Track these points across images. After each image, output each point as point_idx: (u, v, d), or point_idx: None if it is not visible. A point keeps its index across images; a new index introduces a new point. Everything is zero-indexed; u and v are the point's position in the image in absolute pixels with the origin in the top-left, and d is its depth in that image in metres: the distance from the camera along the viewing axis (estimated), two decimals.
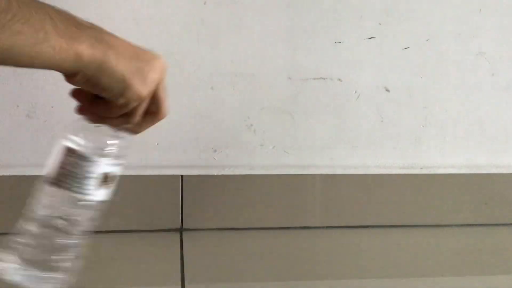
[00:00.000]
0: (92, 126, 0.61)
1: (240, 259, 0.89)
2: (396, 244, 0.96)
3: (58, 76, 0.91)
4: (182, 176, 0.94)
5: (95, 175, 0.59)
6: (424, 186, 1.01)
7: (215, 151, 0.95)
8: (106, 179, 0.60)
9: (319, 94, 0.96)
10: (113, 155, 0.61)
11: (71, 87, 0.91)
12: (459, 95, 1.00)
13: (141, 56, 0.59)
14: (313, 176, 0.98)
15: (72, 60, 0.54)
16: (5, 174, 0.90)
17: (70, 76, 0.56)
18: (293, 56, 0.94)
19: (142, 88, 0.58)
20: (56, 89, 0.90)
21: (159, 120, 0.62)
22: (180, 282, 0.75)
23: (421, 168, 1.01)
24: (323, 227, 0.99)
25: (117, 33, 0.88)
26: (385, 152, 1.00)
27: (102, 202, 0.61)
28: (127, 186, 0.91)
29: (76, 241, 0.62)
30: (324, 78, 0.96)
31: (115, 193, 0.91)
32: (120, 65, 0.56)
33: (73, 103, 0.93)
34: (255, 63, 0.94)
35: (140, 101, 0.59)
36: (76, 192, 0.59)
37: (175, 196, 0.94)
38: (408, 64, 0.97)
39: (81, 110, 0.62)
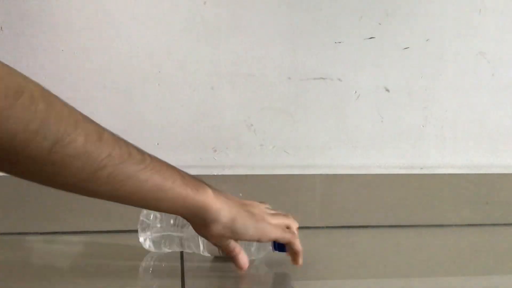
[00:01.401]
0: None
1: None
2: (396, 244, 0.96)
3: (58, 77, 0.91)
4: None
5: None
6: (424, 186, 1.01)
7: (215, 151, 0.95)
8: None
9: (319, 94, 0.96)
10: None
11: (70, 87, 0.91)
12: (459, 95, 1.00)
13: (248, 204, 0.72)
14: (313, 176, 0.98)
15: (198, 207, 0.65)
16: (5, 174, 0.90)
17: (207, 223, 0.66)
18: (293, 56, 0.94)
19: (270, 227, 0.72)
20: (56, 89, 0.90)
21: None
22: (180, 282, 0.75)
23: (421, 168, 1.01)
24: (323, 227, 0.99)
25: (117, 33, 0.89)
26: (385, 152, 1.00)
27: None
28: None
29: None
30: (324, 78, 0.96)
31: None
32: (244, 214, 0.69)
33: (73, 104, 0.93)
34: (255, 63, 0.94)
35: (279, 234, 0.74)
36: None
37: None
38: (408, 64, 0.97)
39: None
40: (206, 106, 0.94)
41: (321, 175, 0.98)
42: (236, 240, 0.71)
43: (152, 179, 0.59)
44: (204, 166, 0.95)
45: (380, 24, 0.95)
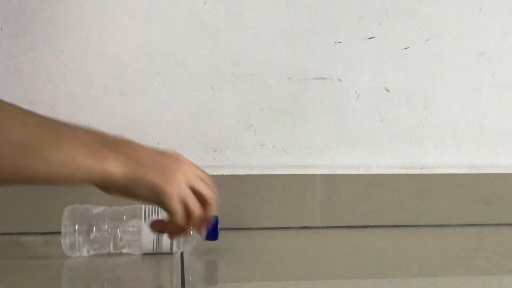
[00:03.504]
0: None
1: (240, 259, 0.89)
2: (396, 244, 0.96)
3: (58, 77, 0.91)
4: None
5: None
6: (424, 186, 1.01)
7: (215, 151, 0.95)
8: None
9: (319, 94, 0.96)
10: None
11: (71, 87, 0.91)
12: (459, 95, 1.00)
13: (163, 162, 0.65)
14: (313, 176, 0.98)
15: (103, 177, 0.60)
16: None
17: (105, 190, 0.63)
18: (293, 56, 0.94)
19: (173, 189, 0.64)
20: (56, 89, 0.90)
21: (211, 206, 0.70)
22: (180, 283, 0.75)
23: (421, 168, 1.01)
24: (323, 227, 0.99)
25: (117, 33, 0.89)
26: (385, 152, 1.00)
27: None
28: None
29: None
30: (324, 78, 0.96)
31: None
32: (148, 177, 0.63)
33: (73, 104, 0.93)
34: (255, 63, 0.94)
35: (182, 200, 0.65)
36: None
37: None
38: (408, 64, 0.97)
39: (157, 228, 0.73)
40: (206, 106, 0.94)
41: (321, 175, 0.98)
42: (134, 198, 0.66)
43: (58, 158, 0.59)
44: (204, 166, 0.95)
45: (380, 24, 0.95)
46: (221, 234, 0.81)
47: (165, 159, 0.66)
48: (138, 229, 0.81)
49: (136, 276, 0.80)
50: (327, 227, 0.99)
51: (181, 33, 0.91)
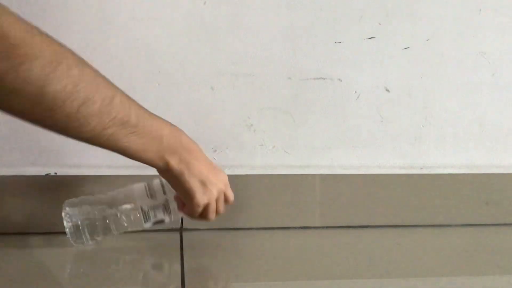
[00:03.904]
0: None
1: (240, 259, 0.89)
2: (396, 244, 0.96)
3: None
4: None
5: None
6: (424, 186, 1.01)
7: (215, 151, 0.95)
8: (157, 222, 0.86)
9: (319, 94, 0.96)
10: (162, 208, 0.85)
11: None
12: (459, 95, 1.00)
13: (208, 178, 0.79)
14: (313, 176, 0.98)
15: (163, 165, 0.76)
16: (5, 174, 0.90)
17: (161, 172, 0.78)
18: (293, 56, 0.94)
19: (202, 198, 0.78)
20: None
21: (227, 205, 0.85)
22: (180, 283, 0.75)
23: (421, 168, 1.01)
24: (323, 227, 0.99)
25: (117, 33, 0.89)
26: (385, 152, 1.00)
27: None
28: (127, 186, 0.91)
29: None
30: (324, 78, 0.96)
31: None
32: (191, 182, 0.77)
33: None
34: (255, 63, 0.94)
35: (201, 207, 0.80)
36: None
37: None
38: (408, 64, 0.97)
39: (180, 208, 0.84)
40: (206, 106, 0.94)
41: (321, 175, 0.98)
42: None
43: (143, 138, 0.71)
44: None
45: (380, 24, 0.95)
46: (221, 233, 0.81)
47: (210, 174, 0.79)
48: (135, 207, 0.84)
49: (136, 275, 0.81)
50: (327, 227, 0.99)
51: (181, 33, 0.91)
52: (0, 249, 0.85)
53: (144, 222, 0.84)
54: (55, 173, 0.91)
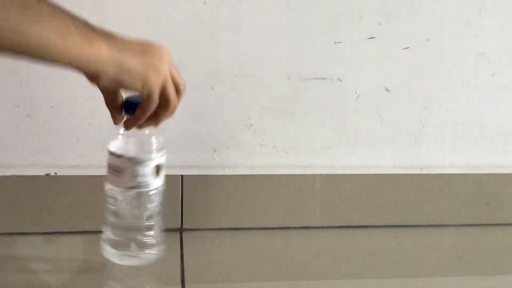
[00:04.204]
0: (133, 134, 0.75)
1: (240, 259, 0.89)
2: (396, 244, 0.96)
3: (58, 76, 0.91)
4: (182, 176, 0.94)
5: (149, 171, 0.78)
6: (424, 186, 1.01)
7: (215, 151, 0.95)
8: (157, 169, 0.78)
9: (319, 94, 0.96)
10: (156, 149, 0.78)
11: (71, 87, 0.91)
12: (459, 95, 1.00)
13: (149, 51, 0.67)
14: (313, 176, 0.98)
15: (93, 59, 0.61)
16: (5, 174, 0.90)
17: (93, 77, 0.64)
18: (293, 56, 0.94)
19: (156, 79, 0.67)
20: (56, 89, 0.90)
21: (183, 95, 0.72)
22: (180, 283, 0.75)
23: (421, 168, 1.01)
24: (323, 227, 0.99)
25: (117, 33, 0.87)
26: (385, 152, 1.00)
27: (160, 187, 0.80)
28: None
29: (150, 223, 0.81)
30: (324, 78, 0.96)
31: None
32: (134, 62, 0.65)
33: (73, 104, 0.93)
34: (255, 63, 0.94)
35: (158, 90, 0.68)
36: (139, 188, 0.77)
37: (175, 196, 0.94)
38: (408, 64, 0.97)
39: (130, 125, 0.73)
40: (206, 106, 0.94)
41: (321, 175, 0.98)
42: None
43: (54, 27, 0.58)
44: (204, 166, 0.95)
45: (380, 24, 0.95)
46: (221, 233, 0.81)
47: (150, 47, 0.68)
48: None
49: (136, 275, 0.81)
50: (327, 227, 0.99)
51: (181, 33, 0.91)
52: (0, 249, 0.85)
53: None
54: (55, 173, 0.91)
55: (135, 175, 0.77)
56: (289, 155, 0.98)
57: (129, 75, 0.65)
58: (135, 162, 0.77)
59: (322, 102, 0.97)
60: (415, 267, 0.85)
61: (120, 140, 0.78)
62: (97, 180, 0.90)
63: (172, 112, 0.72)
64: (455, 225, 1.02)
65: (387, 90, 0.98)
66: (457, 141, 1.01)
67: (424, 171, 1.01)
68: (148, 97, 0.68)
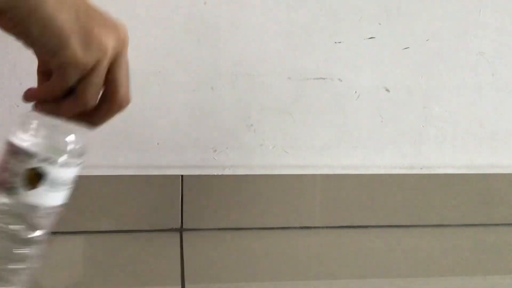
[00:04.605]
0: (46, 121, 0.51)
1: (240, 259, 0.89)
2: (396, 244, 0.96)
3: None
4: (182, 176, 0.94)
5: (49, 177, 0.51)
6: (424, 186, 1.01)
7: (215, 151, 0.95)
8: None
9: (319, 94, 0.96)
10: (69, 154, 0.53)
11: None
12: (459, 95, 1.00)
13: (96, 17, 0.48)
14: (313, 176, 0.98)
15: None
16: None
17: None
18: (293, 56, 0.94)
19: (82, 53, 0.46)
20: None
21: (117, 108, 0.50)
22: (180, 282, 0.75)
23: (421, 168, 1.01)
24: (323, 227, 0.99)
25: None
26: (385, 152, 1.00)
27: (58, 206, 0.53)
28: (127, 186, 0.91)
29: (33, 249, 0.54)
30: (324, 78, 0.96)
31: (116, 193, 0.91)
32: (59, 16, 0.45)
33: None
34: (255, 63, 0.94)
35: (78, 70, 0.46)
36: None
37: (175, 196, 0.94)
38: (408, 64, 0.97)
39: (29, 96, 0.52)
40: (206, 106, 0.94)
41: (321, 175, 0.98)
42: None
43: None
44: (204, 166, 0.95)
45: (380, 24, 0.95)
46: (221, 233, 0.81)
47: (102, 16, 0.51)
48: None
49: (136, 275, 0.81)
50: (327, 227, 0.99)
51: (181, 33, 0.91)
52: None
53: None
54: None
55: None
56: (289, 155, 0.98)
57: (41, 28, 0.44)
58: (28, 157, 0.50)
59: (322, 102, 0.97)
60: (415, 267, 0.85)
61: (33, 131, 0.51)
62: (97, 180, 0.91)
63: (116, 111, 0.51)
64: (455, 225, 1.02)
65: (387, 90, 0.98)
66: (457, 141, 1.01)
67: (424, 171, 1.01)
68: (58, 71, 0.47)
